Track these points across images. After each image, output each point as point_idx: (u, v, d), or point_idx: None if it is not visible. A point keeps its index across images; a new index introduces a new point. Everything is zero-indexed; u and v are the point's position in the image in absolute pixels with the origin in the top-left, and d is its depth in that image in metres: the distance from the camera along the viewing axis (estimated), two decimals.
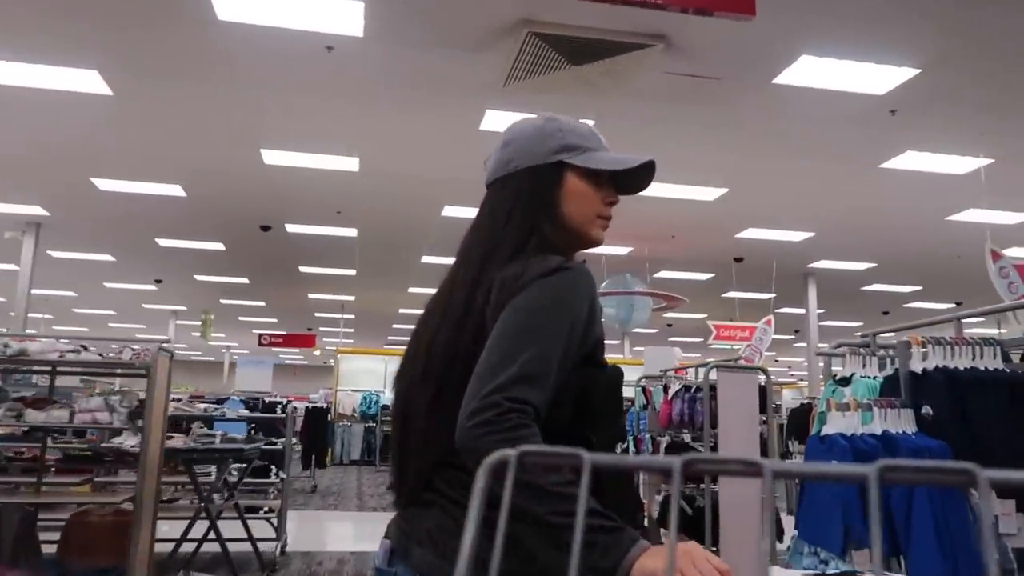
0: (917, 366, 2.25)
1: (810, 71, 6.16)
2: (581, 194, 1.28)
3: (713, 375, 4.30)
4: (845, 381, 2.52)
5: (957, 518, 1.97)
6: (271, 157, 8.47)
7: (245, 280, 16.36)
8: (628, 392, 6.12)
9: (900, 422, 2.14)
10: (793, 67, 6.11)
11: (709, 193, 9.40)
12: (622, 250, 12.36)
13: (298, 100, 6.99)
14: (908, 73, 6.19)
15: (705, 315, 17.76)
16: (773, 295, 14.80)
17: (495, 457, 0.37)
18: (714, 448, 3.94)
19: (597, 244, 1.33)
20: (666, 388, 5.08)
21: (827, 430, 2.19)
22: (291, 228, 11.63)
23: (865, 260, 12.75)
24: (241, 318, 22.59)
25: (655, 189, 9.26)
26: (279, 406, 10.62)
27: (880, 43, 5.77)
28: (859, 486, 2.10)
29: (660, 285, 13.85)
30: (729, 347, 16.24)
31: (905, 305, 16.54)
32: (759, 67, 6.16)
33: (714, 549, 3.74)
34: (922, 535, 1.94)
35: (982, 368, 2.20)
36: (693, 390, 4.65)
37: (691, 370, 5.56)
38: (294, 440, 9.04)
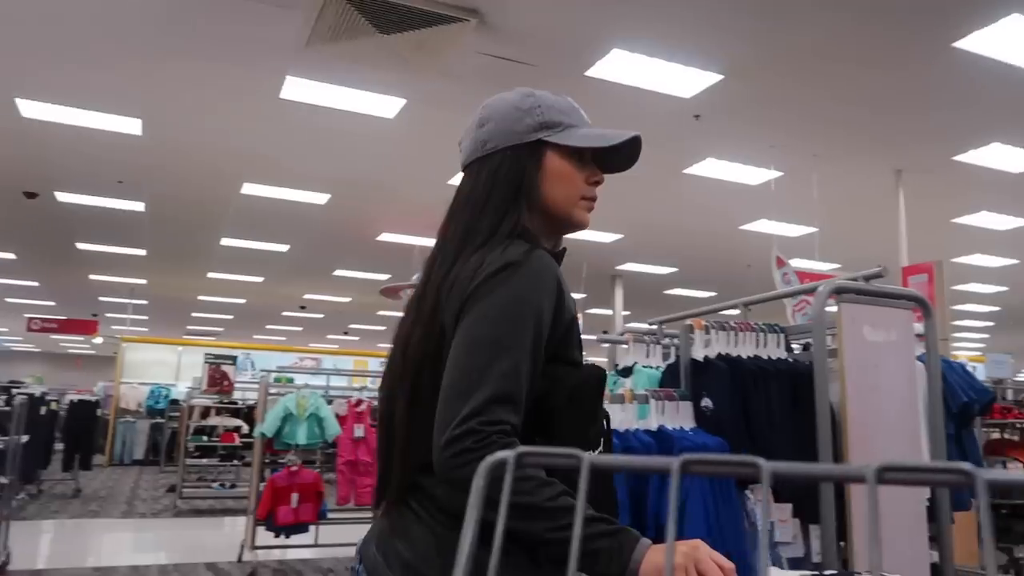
0: (699, 353, 2.08)
1: (621, 66, 6.14)
2: (563, 174, 1.23)
3: None
4: (627, 371, 2.32)
5: (732, 525, 1.80)
6: (29, 109, 7.27)
7: (11, 255, 14.31)
8: None
9: (678, 416, 1.95)
10: (605, 60, 6.06)
11: None
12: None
13: (62, 44, 5.99)
14: (712, 78, 6.34)
15: None
16: (583, 295, 15.16)
17: (493, 459, 0.37)
18: None
19: (582, 227, 1.27)
20: None
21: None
22: (62, 197, 10.20)
23: (668, 264, 13.33)
24: (8, 299, 19.87)
25: None
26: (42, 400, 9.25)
27: (688, 44, 5.84)
28: (655, 485, 1.91)
29: None
30: None
31: (702, 309, 17.60)
32: (573, 57, 6.06)
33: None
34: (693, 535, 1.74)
35: (765, 357, 2.07)
36: None
37: None
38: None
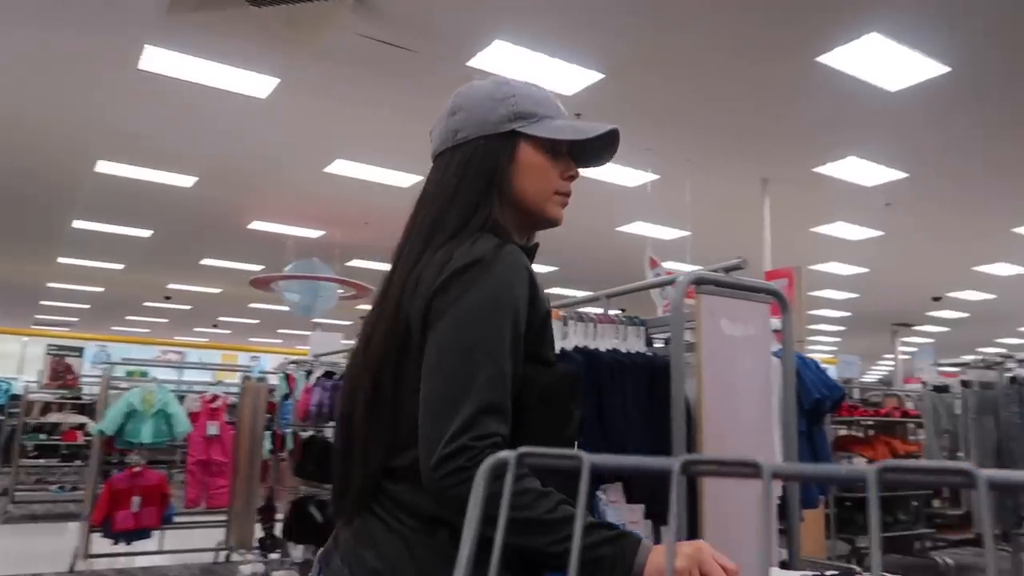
0: (555, 345, 1.99)
1: (504, 58, 6.05)
2: (536, 167, 1.18)
3: None
4: None
5: None
6: None
7: None
8: (274, 380, 5.48)
9: None
10: (487, 51, 5.96)
11: (404, 179, 9.07)
12: (313, 233, 11.61)
13: None
14: (594, 76, 6.37)
15: None
16: None
17: (494, 459, 0.37)
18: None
19: (555, 223, 1.21)
20: (309, 374, 4.54)
21: None
22: None
23: (547, 263, 13.43)
24: None
25: (347, 169, 8.72)
26: None
27: (571, 40, 5.83)
28: None
29: (352, 274, 13.32)
30: None
31: (563, 302, 17.90)
32: (455, 45, 5.92)
33: None
34: None
35: (624, 351, 2.01)
36: (337, 377, 4.17)
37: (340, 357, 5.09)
38: None
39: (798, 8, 5.32)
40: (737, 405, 1.99)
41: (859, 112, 6.88)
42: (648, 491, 1.91)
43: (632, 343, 2.05)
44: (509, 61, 6.08)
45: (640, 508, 1.91)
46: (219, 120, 7.45)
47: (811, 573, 0.88)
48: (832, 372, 11.15)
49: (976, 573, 6.60)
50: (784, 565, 2.02)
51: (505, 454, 0.37)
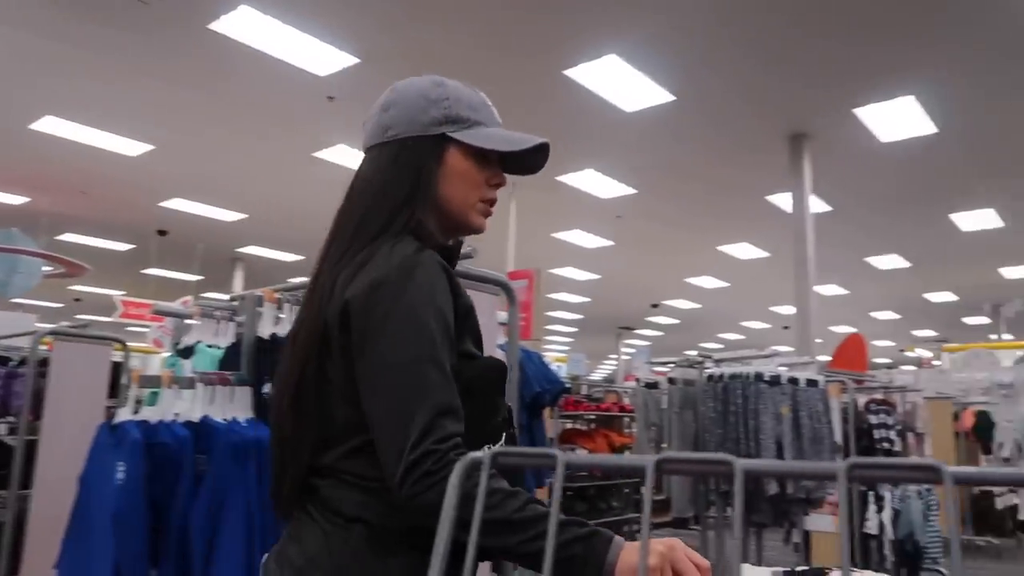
0: (267, 330, 1.80)
1: (251, 26, 5.61)
2: (463, 174, 1.15)
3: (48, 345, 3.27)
4: (188, 352, 1.95)
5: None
6: None
7: None
8: None
9: (233, 405, 1.66)
10: (232, 16, 5.49)
11: (131, 147, 8.11)
12: (15, 199, 10.00)
13: None
14: (348, 60, 6.15)
15: (123, 292, 15.81)
16: (200, 277, 13.92)
17: (468, 460, 0.38)
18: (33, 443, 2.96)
19: (477, 231, 1.19)
20: None
21: (128, 416, 1.58)
22: None
23: (295, 251, 12.85)
24: None
25: (59, 128, 7.59)
26: None
27: (324, 18, 5.56)
28: (186, 488, 1.57)
29: (64, 249, 11.69)
30: (146, 329, 14.67)
31: (285, 284, 17.37)
32: (195, 3, 5.37)
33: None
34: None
35: None
36: (13, 364, 3.53)
37: (25, 341, 4.34)
38: None
39: (549, 20, 5.56)
40: None
41: (598, 127, 7.39)
42: None
43: None
44: (256, 29, 5.65)
45: None
46: None
47: (781, 569, 0.85)
48: (563, 370, 11.91)
49: None
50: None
51: (479, 454, 0.37)
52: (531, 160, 1.20)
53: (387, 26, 5.66)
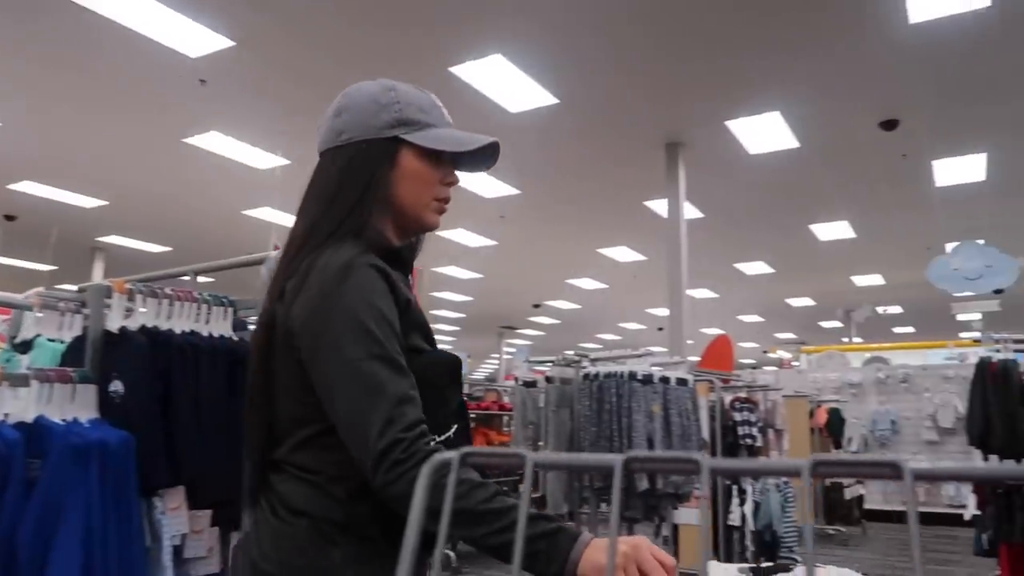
0: (115, 324, 1.66)
1: (118, 3, 5.23)
2: (416, 175, 1.19)
3: None
4: (27, 346, 1.77)
5: (127, 543, 1.43)
6: None
7: None
8: None
9: (75, 404, 1.51)
10: None
11: None
12: None
13: None
14: (222, 42, 5.84)
15: None
16: (54, 267, 12.89)
17: (438, 460, 0.39)
18: None
19: (432, 229, 1.24)
20: None
21: None
22: None
23: (160, 243, 12.13)
24: None
25: None
26: None
27: None
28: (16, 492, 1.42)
29: None
30: None
31: (141, 276, 16.53)
32: None
33: None
34: None
35: (206, 334, 1.75)
36: None
37: None
38: None
39: (435, 14, 5.49)
40: None
41: (483, 127, 7.36)
42: (217, 495, 1.68)
43: (218, 326, 1.80)
44: (123, 4, 5.27)
45: (207, 514, 1.67)
46: None
47: (747, 566, 0.84)
48: None
49: None
50: None
51: (449, 454, 0.38)
52: (482, 158, 1.25)
53: (264, 8, 5.42)
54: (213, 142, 7.81)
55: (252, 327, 1.96)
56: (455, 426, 1.15)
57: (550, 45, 5.89)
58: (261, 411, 1.13)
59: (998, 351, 3.88)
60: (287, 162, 8.27)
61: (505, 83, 6.47)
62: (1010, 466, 0.33)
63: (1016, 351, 4.00)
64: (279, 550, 1.07)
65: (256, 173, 8.65)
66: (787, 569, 0.80)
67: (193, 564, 1.61)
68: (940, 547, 7.37)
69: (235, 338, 1.83)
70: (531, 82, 6.44)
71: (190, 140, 7.77)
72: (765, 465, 0.35)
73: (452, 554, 6.38)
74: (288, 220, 9.79)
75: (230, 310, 1.85)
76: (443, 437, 1.11)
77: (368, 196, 1.16)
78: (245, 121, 7.35)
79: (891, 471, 0.32)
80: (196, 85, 6.55)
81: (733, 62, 6.12)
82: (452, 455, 0.38)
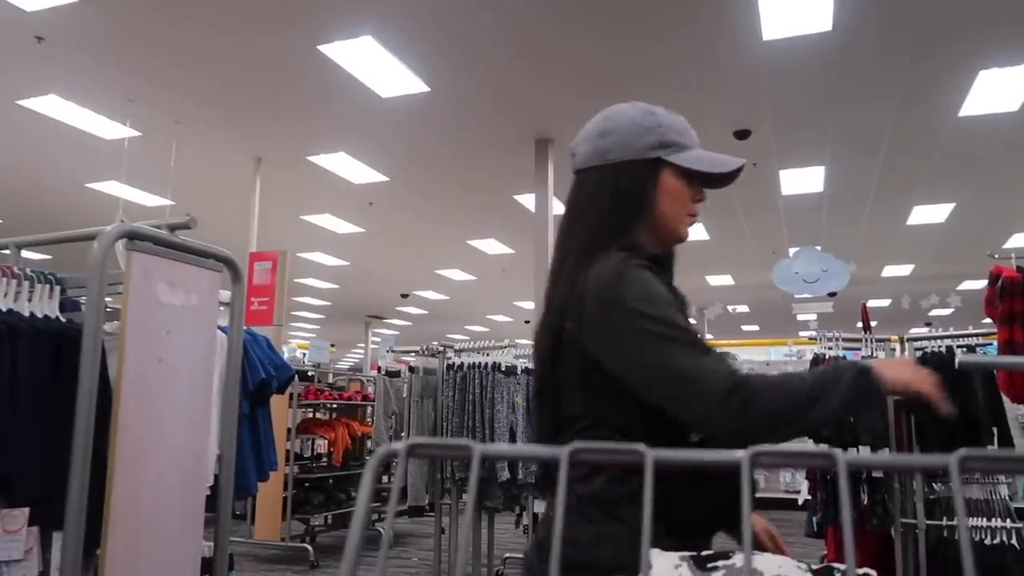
0: None
1: None
2: (674, 192, 1.30)
3: None
4: None
5: None
6: None
7: None
8: None
9: None
10: None
11: None
12: None
13: None
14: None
15: None
16: None
17: (383, 450, 0.40)
18: None
19: (683, 240, 1.35)
20: None
21: None
22: None
23: None
24: None
25: None
26: None
27: None
28: None
29: None
30: None
31: None
32: None
33: None
34: None
35: (28, 314, 1.58)
36: None
37: None
38: None
39: None
40: (168, 383, 1.73)
41: (353, 110, 7.19)
42: (36, 492, 1.51)
43: (41, 305, 1.63)
44: None
45: (24, 513, 1.50)
46: None
47: (688, 554, 0.80)
48: (306, 357, 11.50)
49: (410, 538, 7.44)
50: (206, 562, 1.83)
51: (396, 446, 0.39)
52: (728, 177, 1.35)
53: None
54: (51, 106, 7.14)
55: (84, 308, 1.80)
56: None
57: (422, 32, 5.81)
58: (550, 407, 1.25)
59: (831, 348, 4.20)
60: (137, 133, 7.71)
61: (375, 66, 6.32)
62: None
63: (846, 348, 4.34)
64: (542, 527, 1.25)
65: (101, 143, 8.00)
66: (727, 556, 0.82)
67: (7, 568, 1.44)
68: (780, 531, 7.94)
69: (62, 319, 1.66)
70: (402, 67, 6.33)
71: (24, 103, 7.07)
72: (706, 457, 0.36)
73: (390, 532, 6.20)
74: (138, 195, 9.14)
75: (56, 288, 1.68)
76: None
77: (639, 212, 1.28)
78: (89, 86, 6.77)
79: (827, 461, 0.34)
80: (32, 42, 5.96)
81: (600, 65, 6.28)
82: (399, 446, 0.39)
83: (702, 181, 1.35)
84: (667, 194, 1.30)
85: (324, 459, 7.13)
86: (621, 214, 1.28)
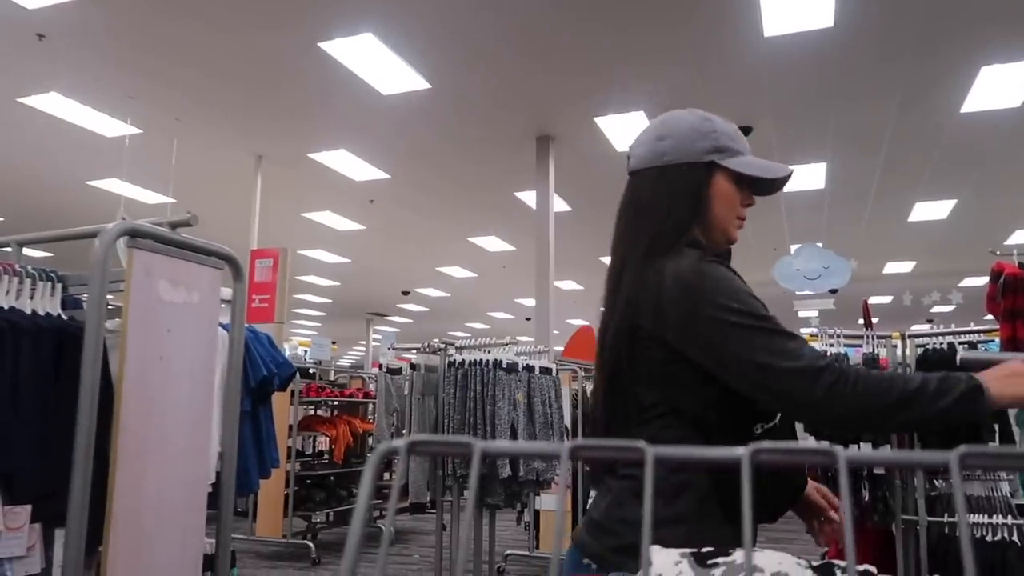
0: None
1: None
2: (726, 195, 1.35)
3: None
4: None
5: None
6: None
7: None
8: None
9: None
10: None
11: None
12: None
13: None
14: None
15: None
16: None
17: (384, 447, 0.39)
18: None
19: (733, 243, 1.40)
20: None
21: None
22: None
23: None
24: None
25: None
26: None
27: None
28: None
29: None
30: None
31: None
32: None
33: None
34: None
35: (29, 311, 1.58)
36: None
37: None
38: None
39: None
40: (169, 382, 1.73)
41: (353, 107, 7.18)
42: (38, 489, 1.52)
43: (43, 303, 1.63)
44: None
45: (25, 510, 1.51)
46: None
47: (688, 551, 0.81)
48: (308, 354, 11.50)
49: (411, 535, 7.45)
50: (207, 559, 1.83)
51: (397, 443, 0.39)
52: (776, 183, 1.40)
53: None
54: (53, 104, 7.15)
55: (85, 305, 1.80)
56: (779, 414, 1.29)
57: (423, 29, 5.80)
58: (621, 398, 1.28)
59: (832, 345, 4.20)
60: (137, 131, 7.71)
61: (376, 63, 6.31)
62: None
63: (847, 345, 4.34)
64: (596, 506, 1.28)
65: (102, 140, 8.01)
66: (727, 553, 0.82)
67: (10, 564, 1.45)
68: (779, 526, 7.95)
69: (64, 317, 1.66)
70: (403, 65, 6.32)
71: (26, 100, 7.08)
72: (708, 454, 0.36)
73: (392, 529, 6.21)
74: (139, 192, 9.17)
75: (59, 286, 1.68)
76: (770, 424, 1.26)
77: (695, 213, 1.33)
78: (90, 83, 6.78)
79: (827, 458, 0.34)
80: (34, 40, 5.96)
81: (602, 62, 6.27)
82: (400, 443, 0.39)
83: (751, 187, 1.41)
84: (720, 197, 1.36)
85: (325, 456, 7.14)
86: (679, 214, 1.33)
